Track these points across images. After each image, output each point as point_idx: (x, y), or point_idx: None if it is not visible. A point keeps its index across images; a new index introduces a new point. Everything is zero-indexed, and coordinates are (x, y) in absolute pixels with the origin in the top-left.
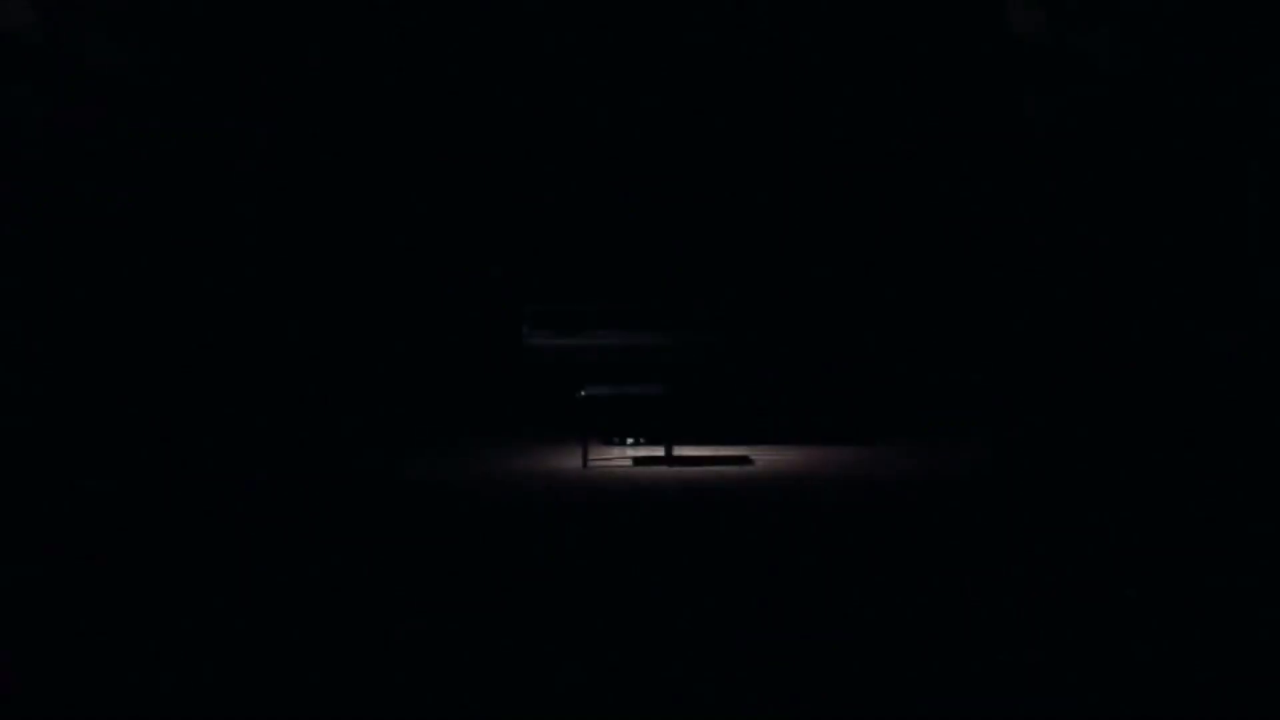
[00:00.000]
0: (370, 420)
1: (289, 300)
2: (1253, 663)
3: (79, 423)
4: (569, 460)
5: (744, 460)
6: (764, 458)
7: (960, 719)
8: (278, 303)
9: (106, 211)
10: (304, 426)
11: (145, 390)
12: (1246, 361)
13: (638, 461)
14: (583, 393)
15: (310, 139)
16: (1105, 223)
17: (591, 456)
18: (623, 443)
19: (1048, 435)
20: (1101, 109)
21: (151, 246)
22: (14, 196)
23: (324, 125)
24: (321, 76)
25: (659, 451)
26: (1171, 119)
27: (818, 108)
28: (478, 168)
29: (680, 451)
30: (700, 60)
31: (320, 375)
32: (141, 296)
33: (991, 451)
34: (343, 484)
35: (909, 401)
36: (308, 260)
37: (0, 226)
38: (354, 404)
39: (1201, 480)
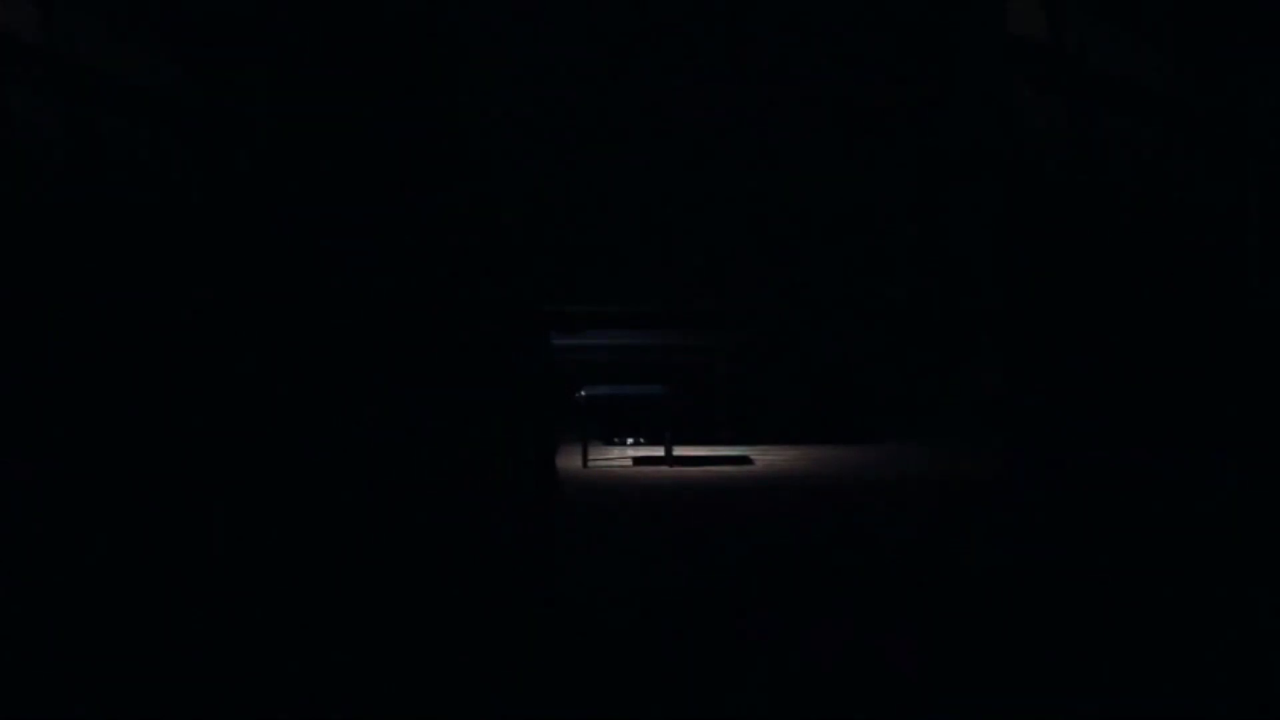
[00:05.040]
0: (367, 419)
1: (289, 299)
2: (1258, 665)
3: (81, 423)
4: (569, 460)
5: (744, 460)
6: (764, 458)
7: None
8: (277, 302)
9: (106, 210)
10: (301, 427)
11: (146, 390)
12: (1245, 361)
13: (638, 461)
14: (583, 393)
15: (310, 137)
16: (1105, 223)
17: (591, 456)
18: (623, 443)
19: (1052, 435)
20: (1102, 109)
21: (151, 246)
22: (14, 196)
23: (323, 123)
24: (321, 73)
25: (659, 451)
26: (1171, 119)
27: (817, 106)
28: (478, 167)
29: (680, 451)
30: (699, 59)
31: (319, 375)
32: (141, 296)
33: (995, 452)
34: (340, 484)
35: (911, 402)
36: (307, 259)
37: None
38: (351, 403)
39: (1208, 481)
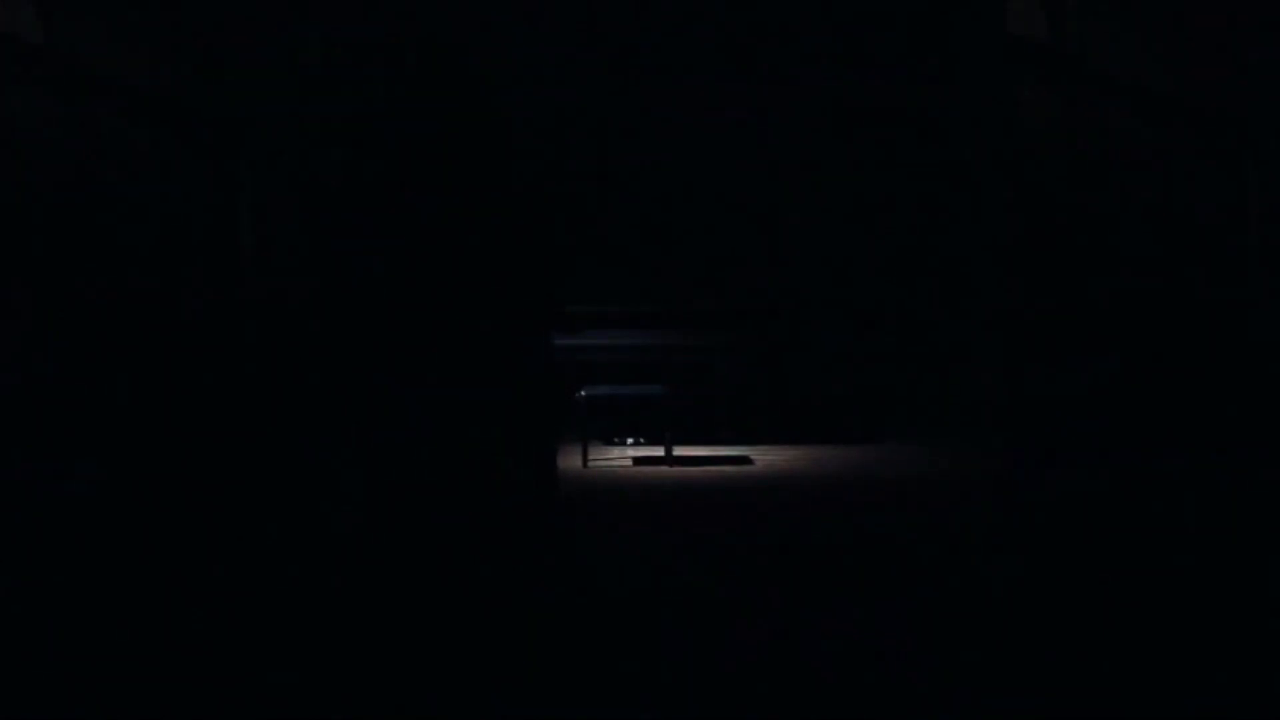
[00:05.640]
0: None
1: (289, 299)
2: (1258, 665)
3: (82, 423)
4: (569, 460)
5: (744, 460)
6: (764, 458)
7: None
8: (278, 302)
9: (107, 210)
10: (303, 428)
11: (148, 390)
12: (1245, 361)
13: (638, 461)
14: (583, 393)
15: (311, 137)
16: (1105, 222)
17: (591, 456)
18: (623, 443)
19: (1052, 435)
20: (1102, 109)
21: (152, 245)
22: (14, 196)
23: (323, 123)
24: (322, 73)
25: (659, 451)
26: (1171, 119)
27: (818, 106)
28: (477, 168)
29: (680, 451)
30: (699, 59)
31: (320, 376)
32: (143, 295)
33: (995, 452)
34: (342, 484)
35: (911, 402)
36: (308, 260)
37: (1, 225)
38: (349, 406)
39: (1208, 481)
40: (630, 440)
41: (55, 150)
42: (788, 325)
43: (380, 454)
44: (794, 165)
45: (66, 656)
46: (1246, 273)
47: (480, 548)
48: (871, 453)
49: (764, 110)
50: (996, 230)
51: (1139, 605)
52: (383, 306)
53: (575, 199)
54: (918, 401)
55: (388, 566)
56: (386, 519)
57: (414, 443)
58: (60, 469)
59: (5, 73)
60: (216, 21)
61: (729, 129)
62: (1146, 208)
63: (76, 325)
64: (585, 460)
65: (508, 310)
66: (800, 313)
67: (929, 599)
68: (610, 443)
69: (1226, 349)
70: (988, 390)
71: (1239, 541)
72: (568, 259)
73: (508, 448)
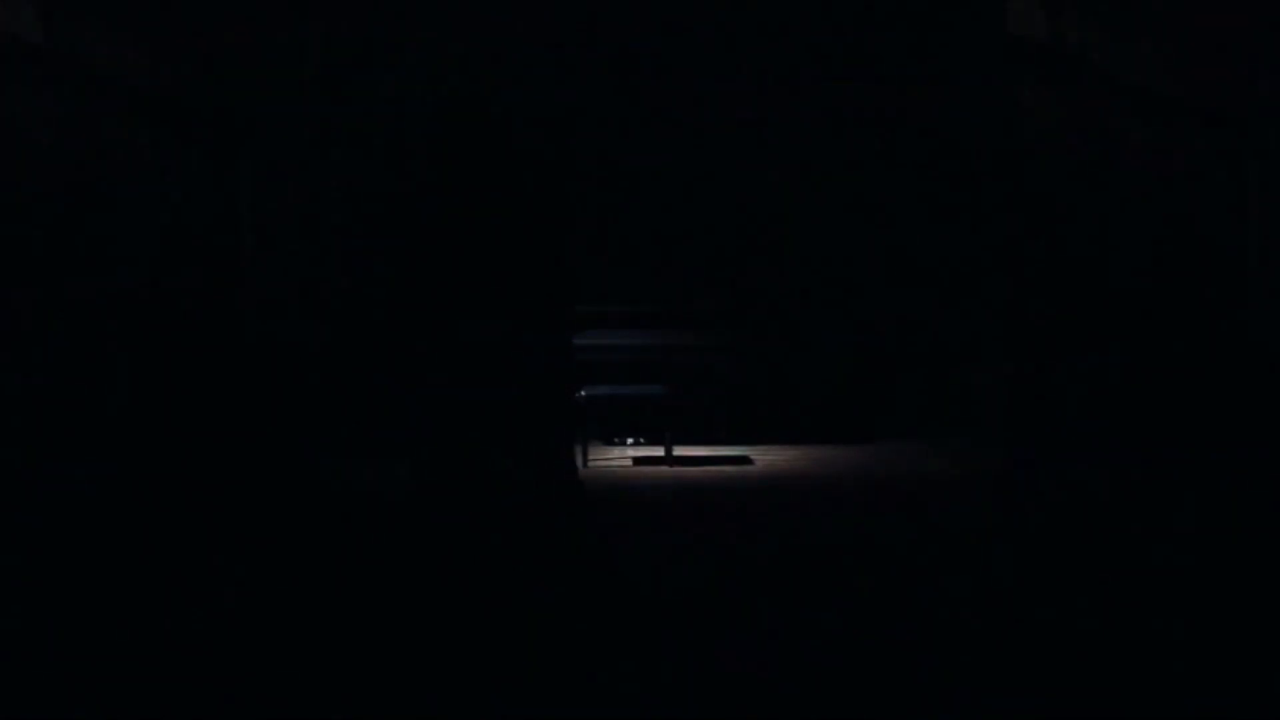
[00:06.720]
0: (365, 421)
1: (290, 300)
2: (1258, 665)
3: (83, 423)
4: None
5: (744, 460)
6: (764, 458)
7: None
8: (278, 302)
9: (107, 210)
10: (303, 430)
11: (149, 389)
12: (1245, 361)
13: (638, 461)
14: (583, 393)
15: (311, 137)
16: (1105, 222)
17: (591, 456)
18: (623, 443)
19: (1053, 435)
20: (1102, 109)
21: (152, 245)
22: (14, 196)
23: (323, 123)
24: (324, 74)
25: (659, 451)
26: (1171, 119)
27: (818, 106)
28: (478, 168)
29: (680, 451)
30: (699, 59)
31: (320, 378)
32: (141, 296)
33: (995, 452)
34: (343, 486)
35: (911, 402)
36: (309, 260)
37: (1, 225)
38: (351, 406)
39: (1208, 480)
40: (630, 440)
41: (55, 150)
42: (788, 325)
43: (382, 453)
44: (794, 165)
45: (67, 656)
46: (1246, 273)
47: (481, 547)
48: (871, 453)
49: (764, 110)
50: (996, 230)
51: (1139, 604)
52: (383, 307)
53: (575, 199)
54: (918, 401)
55: (388, 566)
56: (387, 517)
57: (415, 443)
58: (60, 469)
59: (5, 73)
60: (217, 21)
61: (729, 129)
62: (1146, 208)
63: (77, 325)
64: (585, 460)
65: (509, 311)
66: (800, 313)
67: (929, 599)
68: (610, 443)
69: (1226, 349)
70: (988, 390)
71: (1239, 541)
72: (569, 259)
73: (509, 448)
